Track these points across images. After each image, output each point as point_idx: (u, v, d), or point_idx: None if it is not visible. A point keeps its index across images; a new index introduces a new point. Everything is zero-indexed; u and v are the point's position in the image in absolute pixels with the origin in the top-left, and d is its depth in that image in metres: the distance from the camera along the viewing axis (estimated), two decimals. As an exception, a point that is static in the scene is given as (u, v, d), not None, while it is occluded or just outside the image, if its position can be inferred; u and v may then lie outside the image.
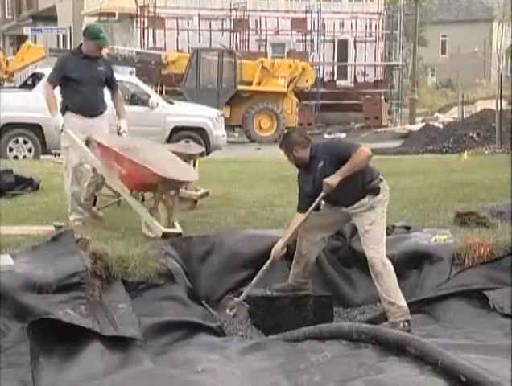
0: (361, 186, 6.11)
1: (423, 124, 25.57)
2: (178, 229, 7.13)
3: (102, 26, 11.37)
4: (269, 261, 6.36)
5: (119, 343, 5.32)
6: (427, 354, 4.87)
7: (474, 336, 5.86)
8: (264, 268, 6.34)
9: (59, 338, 5.22)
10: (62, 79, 7.70)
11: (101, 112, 7.88)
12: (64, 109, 7.70)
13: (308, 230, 6.38)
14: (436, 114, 34.01)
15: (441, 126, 23.44)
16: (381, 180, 6.21)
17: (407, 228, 7.49)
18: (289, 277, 6.61)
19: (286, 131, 6.57)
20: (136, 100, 16.97)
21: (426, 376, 4.72)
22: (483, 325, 6.13)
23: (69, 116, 7.65)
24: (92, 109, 7.75)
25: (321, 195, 6.14)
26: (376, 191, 6.14)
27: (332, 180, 5.99)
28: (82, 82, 7.66)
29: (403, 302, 6.11)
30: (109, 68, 8.03)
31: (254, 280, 6.34)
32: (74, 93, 7.66)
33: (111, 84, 8.01)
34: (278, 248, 6.31)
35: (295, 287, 6.57)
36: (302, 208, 6.31)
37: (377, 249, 6.09)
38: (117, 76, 18.58)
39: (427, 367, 4.81)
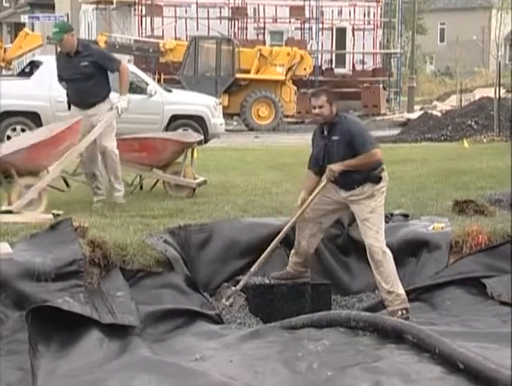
0: (365, 172, 6.11)
1: (422, 112, 25.52)
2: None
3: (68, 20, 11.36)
4: (268, 250, 6.36)
5: (117, 331, 5.33)
6: (425, 341, 4.88)
7: (472, 324, 5.88)
8: (263, 256, 6.34)
9: (57, 326, 5.23)
10: (58, 77, 8.32)
11: (100, 101, 8.01)
12: (69, 104, 8.18)
13: (307, 221, 6.38)
14: (435, 102, 33.95)
15: (439, 114, 23.41)
16: (383, 169, 6.22)
17: (405, 216, 7.49)
18: (288, 264, 6.61)
19: (319, 88, 6.47)
20: (134, 88, 16.89)
21: (423, 364, 4.73)
22: (481, 312, 6.14)
23: (72, 109, 8.12)
24: (86, 102, 7.99)
25: (323, 182, 6.16)
26: (377, 180, 6.15)
27: (336, 168, 6.03)
28: (69, 79, 8.10)
29: (402, 291, 6.11)
30: (98, 57, 8.04)
31: (253, 269, 6.34)
32: (68, 90, 8.22)
33: (108, 67, 8.07)
34: (300, 200, 6.31)
35: (293, 275, 6.58)
36: (309, 166, 6.39)
37: (377, 238, 6.09)
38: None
39: (425, 355, 4.83)
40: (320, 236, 6.54)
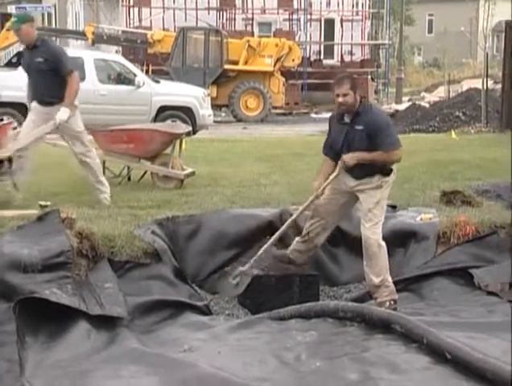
0: (379, 164, 6.05)
1: (410, 103, 25.59)
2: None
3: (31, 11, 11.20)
4: (277, 234, 6.33)
5: (105, 322, 5.32)
6: (413, 331, 4.89)
7: (459, 314, 5.89)
8: (271, 240, 6.30)
9: (45, 318, 5.21)
10: (22, 68, 8.05)
11: (57, 102, 7.54)
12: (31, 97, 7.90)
13: (319, 214, 6.34)
14: (423, 93, 34.02)
15: (427, 105, 23.46)
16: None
17: (393, 207, 7.51)
18: (290, 249, 6.57)
19: (342, 73, 6.34)
20: (122, 79, 16.92)
21: (411, 354, 4.74)
22: (468, 303, 6.17)
23: (33, 105, 7.79)
24: (42, 100, 7.65)
25: (336, 172, 6.10)
26: (387, 172, 6.10)
27: (351, 159, 5.96)
28: (28, 74, 7.83)
29: (391, 282, 6.12)
30: (51, 56, 7.53)
31: (260, 252, 6.29)
32: (28, 84, 7.96)
33: (59, 69, 7.51)
34: (316, 187, 6.24)
35: (291, 260, 6.55)
36: (324, 151, 6.31)
37: (374, 230, 6.07)
38: (103, 56, 18.57)
39: (413, 345, 4.83)
40: (330, 230, 6.50)
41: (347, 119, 6.08)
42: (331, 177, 6.16)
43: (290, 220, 6.51)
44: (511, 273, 6.39)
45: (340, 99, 5.98)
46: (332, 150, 6.22)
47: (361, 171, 6.06)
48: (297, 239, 6.58)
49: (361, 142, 5.98)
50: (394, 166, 6.17)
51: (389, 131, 6.02)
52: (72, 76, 7.58)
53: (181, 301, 6.03)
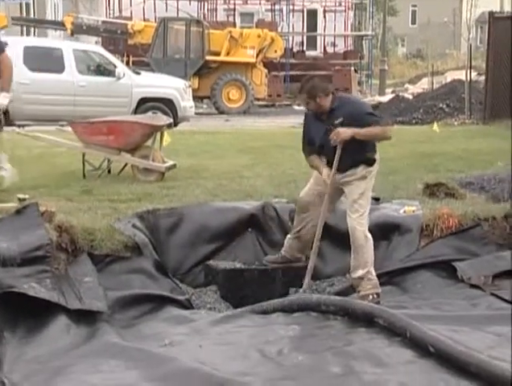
0: (361, 154, 6.05)
1: (393, 95, 25.63)
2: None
3: None
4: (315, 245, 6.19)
5: (85, 317, 5.31)
6: (396, 325, 4.91)
7: (442, 307, 5.92)
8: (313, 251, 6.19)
9: (23, 312, 5.18)
10: None
11: None
12: None
13: (307, 210, 6.34)
14: (406, 85, 34.12)
15: (411, 97, 23.50)
16: (376, 151, 6.18)
17: (376, 200, 7.51)
18: (283, 248, 6.59)
19: (307, 78, 6.29)
20: (102, 70, 16.82)
21: (394, 347, 4.76)
22: (451, 295, 6.20)
23: None
24: None
25: (338, 152, 5.99)
26: (371, 162, 6.11)
27: (346, 133, 5.87)
28: None
29: (374, 276, 6.14)
30: None
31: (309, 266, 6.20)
32: None
33: None
34: (325, 176, 6.15)
35: (288, 259, 6.56)
36: (308, 153, 6.26)
37: (361, 221, 6.08)
38: (83, 46, 18.48)
39: (396, 339, 4.85)
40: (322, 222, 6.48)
41: (324, 117, 6.10)
42: (332, 171, 6.09)
43: (320, 225, 6.23)
44: (494, 266, 6.43)
45: (305, 107, 6.12)
46: (312, 148, 6.21)
47: (345, 163, 6.06)
48: (288, 236, 6.59)
49: None
50: (378, 157, 6.18)
51: (368, 110, 6.11)
52: (4, 56, 7.39)
53: (162, 295, 6.02)
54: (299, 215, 6.43)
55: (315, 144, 6.16)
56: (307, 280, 6.19)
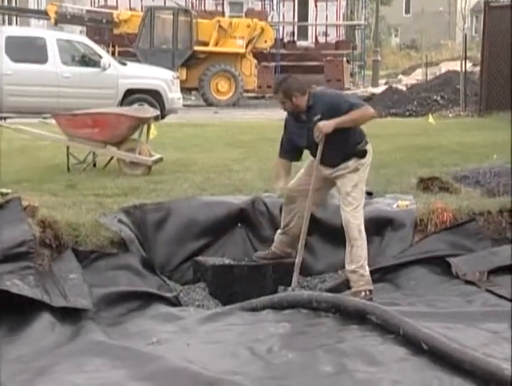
0: (351, 146, 6.07)
1: (386, 86, 25.68)
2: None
3: None
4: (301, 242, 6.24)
5: (70, 315, 5.30)
6: (389, 322, 4.92)
7: (436, 304, 5.94)
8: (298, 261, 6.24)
9: (6, 310, 5.17)
10: None
11: None
12: None
13: (294, 201, 6.36)
14: (400, 76, 34.19)
15: (404, 89, 23.57)
16: (367, 142, 6.20)
17: (370, 194, 7.53)
18: (273, 244, 6.61)
19: (282, 77, 6.40)
20: (86, 61, 16.79)
21: (387, 345, 4.78)
22: (446, 292, 6.21)
23: None
24: None
25: (320, 146, 6.03)
26: (363, 154, 6.13)
27: (327, 126, 5.90)
28: None
29: (367, 272, 6.15)
30: None
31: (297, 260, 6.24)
32: None
33: None
34: (281, 186, 6.30)
35: (278, 255, 6.58)
36: (283, 155, 6.32)
37: (355, 214, 6.10)
38: (67, 36, 18.45)
39: (389, 336, 4.87)
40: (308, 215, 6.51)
41: (303, 117, 6.12)
42: (315, 163, 6.12)
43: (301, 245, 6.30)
44: (489, 262, 6.45)
45: (281, 107, 6.15)
46: (292, 153, 6.27)
47: (337, 158, 6.09)
48: (278, 231, 6.61)
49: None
50: (369, 148, 6.20)
51: (344, 98, 6.15)
52: None
53: (149, 292, 6.02)
54: (287, 206, 6.47)
55: (296, 146, 6.21)
56: (295, 277, 6.21)
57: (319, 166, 6.16)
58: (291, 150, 6.29)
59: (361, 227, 6.12)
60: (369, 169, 6.23)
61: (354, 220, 6.10)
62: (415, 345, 4.65)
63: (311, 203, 6.24)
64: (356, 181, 6.10)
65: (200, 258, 6.79)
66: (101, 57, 16.72)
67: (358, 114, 5.95)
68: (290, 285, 6.25)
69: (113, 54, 23.48)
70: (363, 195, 6.21)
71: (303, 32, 33.06)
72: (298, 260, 6.20)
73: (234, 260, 6.73)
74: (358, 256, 6.11)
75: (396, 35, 55.63)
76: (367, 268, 6.17)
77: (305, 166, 6.39)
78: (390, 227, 7.00)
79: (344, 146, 6.05)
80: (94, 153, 9.09)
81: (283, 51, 30.22)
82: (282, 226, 6.55)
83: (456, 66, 22.62)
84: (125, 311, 5.74)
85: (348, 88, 29.78)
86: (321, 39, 32.74)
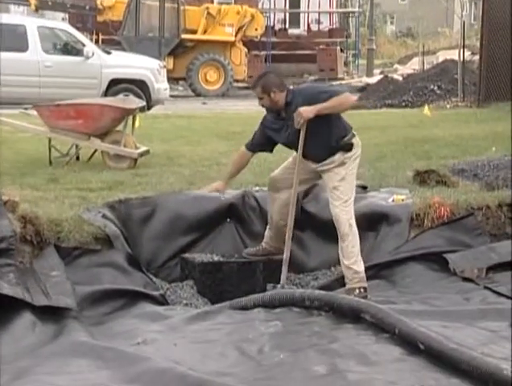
0: (335, 140, 6.10)
1: (381, 76, 25.70)
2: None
3: None
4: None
5: (52, 314, 5.30)
6: (384, 321, 4.93)
7: (433, 302, 5.96)
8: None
9: (-15, 310, 5.17)
10: None
11: None
12: None
13: (279, 192, 6.37)
14: (395, 65, 34.26)
15: (400, 78, 23.59)
16: (354, 135, 6.22)
17: (364, 188, 7.54)
18: (264, 240, 6.63)
19: (261, 72, 6.54)
20: (69, 49, 16.76)
21: (382, 344, 4.79)
22: (443, 289, 6.24)
23: None
24: None
25: (301, 135, 6.06)
26: (349, 147, 6.16)
27: (308, 111, 5.93)
28: None
29: (361, 268, 6.16)
30: None
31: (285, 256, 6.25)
32: None
33: None
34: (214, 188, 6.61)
35: (269, 251, 6.59)
36: (251, 147, 6.45)
37: (344, 208, 6.11)
38: (48, 23, 18.40)
39: (384, 335, 4.88)
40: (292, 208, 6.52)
41: (283, 114, 6.18)
42: (298, 153, 6.16)
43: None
44: (488, 258, 6.47)
45: (260, 103, 6.22)
46: (264, 146, 6.41)
47: (322, 154, 6.14)
48: (268, 226, 6.64)
49: (311, 124, 6.02)
50: (357, 141, 6.21)
51: (323, 87, 6.29)
52: None
53: (135, 291, 6.02)
54: (272, 195, 6.50)
55: (273, 142, 6.32)
56: (283, 274, 6.22)
57: (304, 160, 6.20)
58: (263, 144, 6.39)
59: (351, 222, 6.14)
60: (358, 161, 6.25)
61: (343, 215, 6.12)
62: (411, 345, 4.66)
63: (295, 196, 6.25)
64: (343, 175, 6.13)
65: (187, 255, 6.79)
66: (84, 45, 16.69)
67: (338, 101, 5.99)
68: (279, 283, 6.26)
69: (96, 42, 23.42)
70: (353, 189, 6.22)
71: (295, 20, 33.04)
72: (285, 256, 6.21)
73: (223, 257, 6.73)
74: (350, 252, 6.13)
75: (392, 23, 55.68)
76: (361, 265, 6.18)
77: (293, 154, 6.40)
78: (385, 223, 7.01)
79: (328, 141, 6.10)
80: (77, 146, 9.07)
81: (274, 40, 30.22)
82: (268, 221, 6.57)
83: (454, 55, 22.66)
84: (109, 310, 5.75)
85: (342, 78, 29.82)
86: (314, 27, 32.74)
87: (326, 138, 6.08)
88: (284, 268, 6.22)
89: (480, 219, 6.93)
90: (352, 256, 6.13)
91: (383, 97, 20.71)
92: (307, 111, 5.93)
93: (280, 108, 6.16)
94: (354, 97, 6.12)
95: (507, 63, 16.30)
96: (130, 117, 9.03)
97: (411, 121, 13.94)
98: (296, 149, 6.21)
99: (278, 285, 6.22)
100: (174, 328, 5.28)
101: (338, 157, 6.13)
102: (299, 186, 6.34)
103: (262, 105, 6.24)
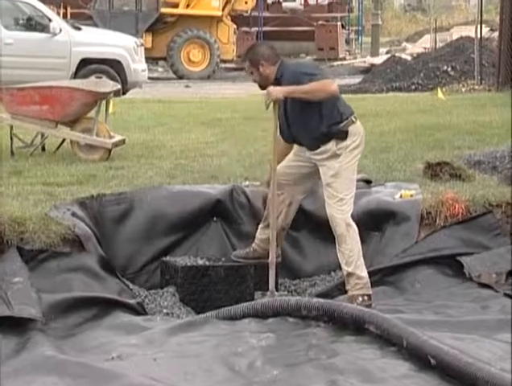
0: (326, 126, 6.12)
1: (388, 56, 25.75)
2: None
3: None
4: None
5: (15, 326, 5.31)
6: (390, 332, 4.96)
7: (446, 311, 5.99)
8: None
9: None
10: None
11: None
12: None
13: (281, 188, 6.38)
14: (404, 44, 34.26)
15: (409, 58, 23.64)
16: (353, 122, 6.22)
17: (367, 182, 7.56)
18: (255, 241, 6.63)
19: (252, 43, 6.57)
20: (33, 24, 16.73)
21: (388, 359, 4.81)
22: (457, 297, 6.26)
23: None
24: None
25: (274, 116, 6.20)
26: (343, 135, 6.17)
27: (277, 91, 6.01)
28: None
29: (365, 273, 6.18)
30: None
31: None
32: None
33: None
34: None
35: (261, 254, 6.59)
36: (281, 134, 6.47)
37: (339, 207, 6.13)
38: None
39: (390, 349, 4.91)
40: (294, 208, 6.55)
41: None
42: (274, 137, 6.31)
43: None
44: (508, 262, 6.49)
45: (252, 79, 6.33)
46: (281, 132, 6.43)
47: (311, 140, 6.18)
48: (260, 226, 6.62)
49: (294, 105, 6.13)
50: (354, 128, 6.21)
51: (310, 69, 6.28)
52: None
53: (109, 299, 6.04)
54: (268, 205, 6.47)
55: (282, 126, 6.34)
56: (271, 278, 6.24)
57: (300, 147, 6.29)
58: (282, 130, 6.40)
59: (348, 222, 6.15)
60: (358, 153, 6.26)
61: (339, 214, 6.14)
62: (421, 359, 4.69)
63: (275, 183, 6.28)
64: (336, 169, 6.14)
65: (168, 258, 6.81)
66: (50, 20, 16.67)
67: (314, 87, 6.02)
68: (268, 290, 6.28)
69: (64, 16, 23.38)
70: (351, 186, 6.23)
71: (290, -8, 33.08)
72: (271, 257, 6.24)
73: (209, 261, 6.75)
74: (349, 256, 6.15)
75: (400, -5, 55.76)
76: (364, 269, 6.20)
77: (294, 148, 6.43)
78: (391, 221, 7.04)
79: (318, 126, 6.13)
80: (43, 135, 9.06)
81: (267, 14, 30.21)
82: (263, 218, 6.56)
83: (470, 31, 22.70)
84: (80, 321, 5.76)
85: (344, 58, 29.85)
86: (311, 0, 32.74)
87: (315, 123, 6.12)
88: (271, 272, 6.23)
89: (499, 217, 6.95)
90: (352, 260, 6.14)
91: (390, 80, 20.76)
92: (276, 90, 6.02)
93: (269, 84, 6.16)
94: (334, 86, 6.11)
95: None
96: (104, 102, 9.02)
97: (422, 106, 13.96)
98: (286, 138, 6.29)
99: (268, 292, 6.23)
100: (153, 341, 5.29)
101: (331, 146, 6.15)
102: (304, 183, 6.41)
103: (255, 81, 6.29)
